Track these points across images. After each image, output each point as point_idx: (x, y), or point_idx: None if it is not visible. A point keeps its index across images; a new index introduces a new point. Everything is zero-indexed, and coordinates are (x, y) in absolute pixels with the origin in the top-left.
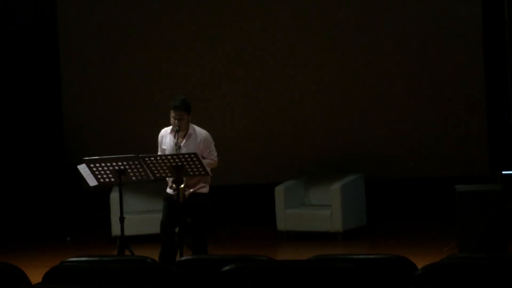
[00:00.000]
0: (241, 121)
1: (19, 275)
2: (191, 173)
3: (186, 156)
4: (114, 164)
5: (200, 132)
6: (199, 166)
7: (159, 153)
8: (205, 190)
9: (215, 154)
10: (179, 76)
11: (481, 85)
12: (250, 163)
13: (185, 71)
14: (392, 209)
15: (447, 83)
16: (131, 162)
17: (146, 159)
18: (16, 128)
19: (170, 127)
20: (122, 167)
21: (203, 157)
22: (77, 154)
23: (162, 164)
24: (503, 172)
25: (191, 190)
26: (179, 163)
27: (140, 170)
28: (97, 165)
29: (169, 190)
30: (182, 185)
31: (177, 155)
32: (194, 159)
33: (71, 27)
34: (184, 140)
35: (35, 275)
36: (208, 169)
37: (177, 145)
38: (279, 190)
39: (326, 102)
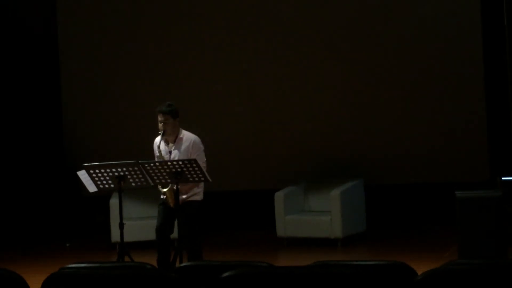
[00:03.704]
0: (240, 128)
1: (18, 281)
2: (190, 179)
3: (186, 162)
4: (113, 170)
5: (189, 136)
6: (198, 172)
7: (155, 159)
8: (199, 197)
9: (204, 159)
10: (180, 84)
11: (481, 91)
12: (250, 169)
13: (186, 78)
14: (392, 215)
15: (446, 89)
16: (130, 168)
17: (146, 165)
18: (16, 134)
19: None
20: (121, 173)
21: None
22: (77, 160)
23: (162, 170)
24: (503, 178)
25: (184, 196)
26: (178, 169)
27: (140, 176)
28: (97, 171)
29: (162, 196)
30: (168, 187)
31: (177, 161)
32: (194, 165)
33: (70, 36)
34: (174, 144)
35: (34, 282)
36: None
37: (166, 150)
38: (278, 196)
39: (326, 108)
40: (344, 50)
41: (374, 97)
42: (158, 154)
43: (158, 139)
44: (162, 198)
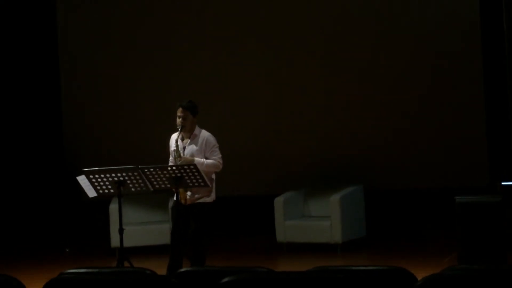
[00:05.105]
0: (240, 133)
1: (18, 286)
2: (190, 184)
3: (186, 167)
4: (113, 175)
5: (204, 134)
6: (198, 177)
7: (170, 157)
8: (209, 199)
9: (219, 156)
10: (179, 89)
11: (480, 97)
12: (249, 174)
13: (185, 84)
14: (391, 221)
15: (446, 95)
16: (130, 174)
17: (146, 170)
18: (16, 139)
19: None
20: (121, 179)
21: (207, 158)
22: (76, 165)
23: (162, 176)
24: (503, 183)
25: (196, 195)
26: (178, 174)
27: (140, 181)
28: (96, 176)
29: (174, 197)
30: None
31: (176, 166)
32: (194, 170)
33: (70, 36)
34: (189, 141)
35: (34, 287)
36: (212, 176)
37: (180, 146)
38: (278, 202)
39: (326, 113)
40: (344, 59)
41: (374, 103)
42: (175, 148)
43: (175, 134)
44: (174, 200)
